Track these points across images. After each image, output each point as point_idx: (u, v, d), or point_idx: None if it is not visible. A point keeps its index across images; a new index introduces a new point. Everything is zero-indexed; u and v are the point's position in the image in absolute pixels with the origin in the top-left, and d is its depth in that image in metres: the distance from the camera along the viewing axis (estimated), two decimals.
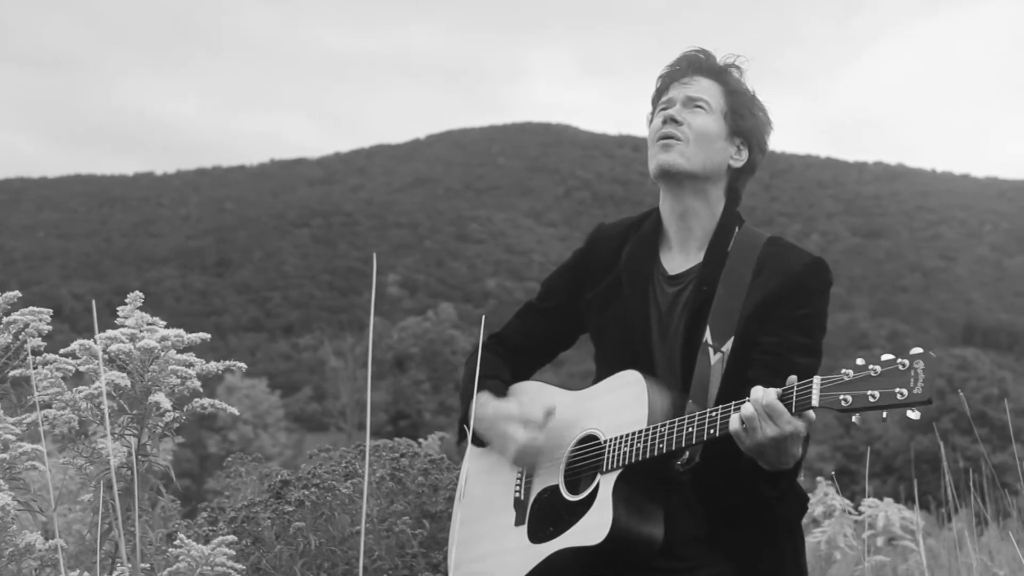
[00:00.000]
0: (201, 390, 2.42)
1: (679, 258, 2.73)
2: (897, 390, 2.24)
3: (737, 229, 2.71)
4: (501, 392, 2.77)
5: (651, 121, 2.79)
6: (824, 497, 5.15)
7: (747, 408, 2.35)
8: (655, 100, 2.80)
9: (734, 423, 2.37)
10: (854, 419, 2.31)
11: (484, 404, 2.72)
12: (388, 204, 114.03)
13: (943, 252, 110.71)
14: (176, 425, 2.40)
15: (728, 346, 2.58)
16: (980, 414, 38.47)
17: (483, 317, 2.39)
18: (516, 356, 2.87)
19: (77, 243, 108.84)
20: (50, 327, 2.68)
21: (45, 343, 2.64)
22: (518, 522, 2.66)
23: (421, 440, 4.54)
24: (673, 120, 2.69)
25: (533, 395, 2.77)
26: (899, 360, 2.26)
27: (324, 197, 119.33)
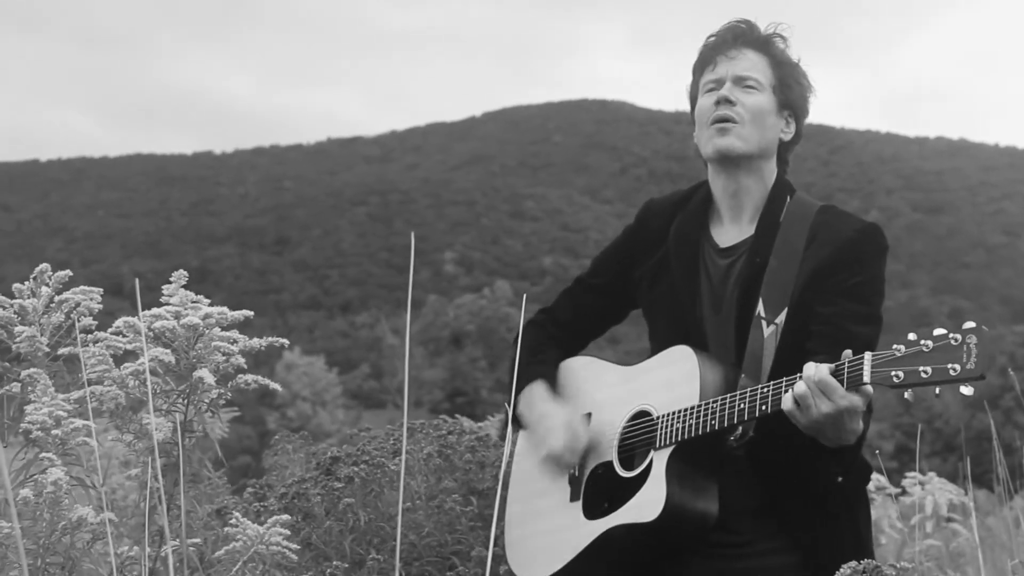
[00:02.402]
0: (245, 366, 2.44)
1: (731, 230, 2.70)
2: (950, 365, 2.20)
3: (789, 199, 2.68)
4: (552, 381, 2.77)
5: (694, 96, 2.76)
6: None
7: (799, 386, 2.32)
8: (697, 71, 2.76)
9: (787, 402, 2.34)
10: (906, 395, 2.27)
11: (532, 403, 2.72)
12: (444, 182, 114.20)
13: (1006, 228, 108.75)
14: (222, 402, 2.42)
15: (781, 318, 2.55)
16: None
17: (523, 296, 2.37)
18: (566, 331, 2.87)
19: (137, 222, 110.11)
20: (100, 306, 2.71)
21: (95, 322, 2.68)
22: (573, 498, 2.66)
23: (480, 424, 4.53)
24: (727, 101, 2.65)
25: (583, 380, 2.77)
26: (951, 335, 2.22)
27: (381, 175, 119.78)
